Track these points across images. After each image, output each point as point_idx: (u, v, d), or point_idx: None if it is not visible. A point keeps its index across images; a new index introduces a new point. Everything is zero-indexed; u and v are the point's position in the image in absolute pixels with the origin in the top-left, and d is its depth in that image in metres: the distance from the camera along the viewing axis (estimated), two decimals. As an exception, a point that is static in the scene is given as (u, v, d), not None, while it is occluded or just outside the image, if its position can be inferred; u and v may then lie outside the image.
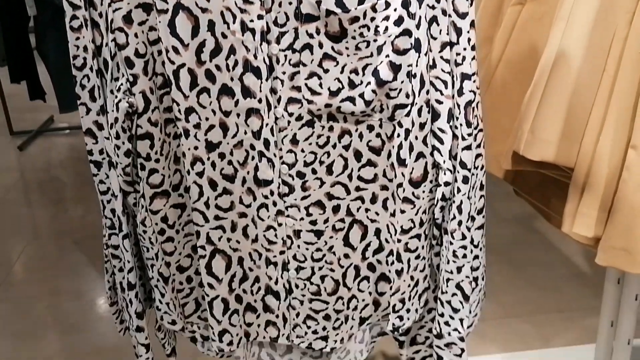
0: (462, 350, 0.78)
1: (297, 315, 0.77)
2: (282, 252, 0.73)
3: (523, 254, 1.85)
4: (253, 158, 0.69)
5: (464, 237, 0.73)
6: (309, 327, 0.78)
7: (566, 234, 0.80)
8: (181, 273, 0.77)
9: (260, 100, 0.66)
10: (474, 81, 0.69)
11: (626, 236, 0.71)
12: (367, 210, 0.73)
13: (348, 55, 0.64)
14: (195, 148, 0.68)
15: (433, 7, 0.65)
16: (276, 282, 0.75)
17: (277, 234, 0.72)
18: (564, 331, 1.51)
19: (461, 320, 0.77)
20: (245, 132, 0.68)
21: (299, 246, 0.73)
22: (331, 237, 0.73)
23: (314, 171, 0.70)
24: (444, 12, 0.66)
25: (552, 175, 0.85)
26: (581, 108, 0.75)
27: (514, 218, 2.05)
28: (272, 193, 0.70)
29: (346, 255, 0.74)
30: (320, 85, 0.65)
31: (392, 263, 0.75)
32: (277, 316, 0.77)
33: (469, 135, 0.69)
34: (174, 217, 0.74)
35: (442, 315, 0.77)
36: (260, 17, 0.62)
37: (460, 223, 0.72)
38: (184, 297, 0.79)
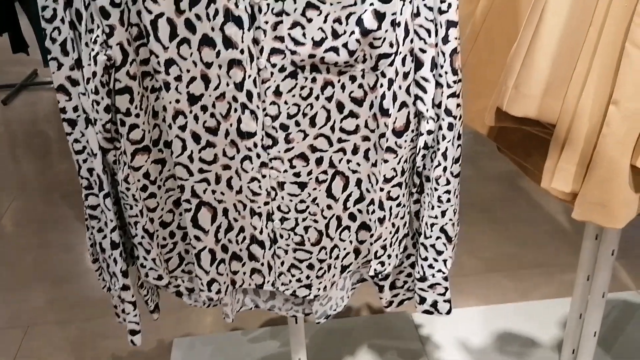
0: (446, 289, 0.82)
1: (282, 263, 0.79)
2: (266, 203, 0.74)
3: (506, 211, 1.88)
4: (236, 110, 0.69)
5: (448, 183, 0.75)
6: (293, 276, 0.80)
7: (546, 190, 0.82)
8: (164, 228, 0.78)
9: (242, 51, 0.65)
10: (458, 30, 0.68)
11: (603, 191, 0.73)
12: (348, 161, 0.74)
13: (331, 4, 0.64)
14: (177, 101, 0.67)
15: None
16: (261, 232, 0.76)
17: (261, 185, 0.73)
18: (542, 285, 1.55)
19: (445, 261, 0.80)
20: (228, 84, 0.67)
21: (282, 197, 0.74)
22: (314, 189, 0.74)
23: (297, 123, 0.70)
24: None
25: (534, 132, 0.86)
26: (566, 63, 0.75)
27: (499, 176, 2.08)
28: (255, 145, 0.70)
29: (329, 207, 0.76)
30: (304, 35, 0.65)
31: (373, 212, 0.76)
32: (262, 264, 0.79)
33: (455, 82, 0.70)
34: (155, 172, 0.74)
35: (425, 259, 0.80)
36: None
37: (445, 169, 0.74)
38: (168, 252, 0.80)
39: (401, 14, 0.65)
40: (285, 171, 0.72)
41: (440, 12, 0.67)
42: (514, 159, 0.99)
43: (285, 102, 0.69)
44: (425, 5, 0.67)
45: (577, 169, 0.75)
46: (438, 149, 0.73)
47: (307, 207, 0.75)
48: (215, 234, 0.76)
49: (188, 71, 0.66)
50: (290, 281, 0.80)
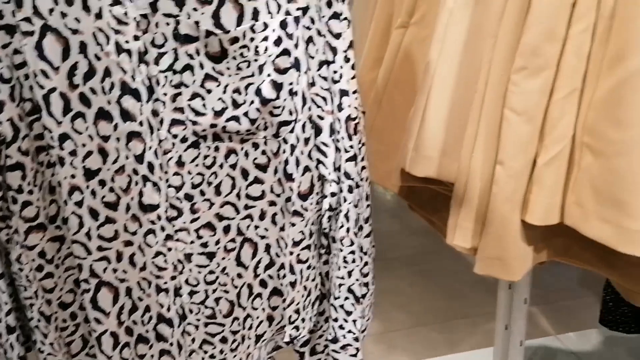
0: (357, 350, 0.81)
1: (193, 340, 0.76)
2: (173, 278, 0.72)
3: (432, 264, 1.92)
4: (137, 183, 0.67)
5: (352, 244, 0.76)
6: (205, 352, 0.77)
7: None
8: (64, 310, 0.74)
9: (141, 123, 0.65)
10: (356, 98, 0.72)
11: (498, 246, 0.77)
12: (256, 227, 0.74)
13: (230, 75, 0.65)
14: (72, 176, 0.65)
15: (309, 28, 0.68)
16: (168, 309, 0.74)
17: (166, 259, 0.71)
18: (468, 336, 1.58)
19: (354, 321, 0.79)
20: (127, 157, 0.66)
21: (190, 270, 0.72)
22: (223, 258, 0.73)
23: (202, 193, 0.70)
24: (319, 33, 0.69)
25: (439, 190, 0.90)
26: (457, 125, 0.80)
27: (424, 230, 2.13)
28: (159, 218, 0.69)
29: (239, 275, 0.75)
30: (204, 105, 0.66)
31: (284, 276, 0.76)
32: (172, 344, 0.76)
33: (351, 147, 0.73)
34: (53, 251, 0.70)
35: (336, 319, 0.80)
36: (136, 37, 0.62)
37: (348, 230, 0.75)
38: (69, 335, 0.76)
39: (298, 83, 0.68)
40: (192, 242, 0.71)
41: (334, 81, 0.70)
42: (425, 216, 1.03)
43: (189, 172, 0.69)
44: (319, 75, 0.70)
45: (475, 226, 0.79)
46: (341, 211, 0.75)
47: (217, 277, 0.74)
48: (117, 315, 0.73)
49: (84, 145, 0.65)
50: (202, 358, 0.77)
